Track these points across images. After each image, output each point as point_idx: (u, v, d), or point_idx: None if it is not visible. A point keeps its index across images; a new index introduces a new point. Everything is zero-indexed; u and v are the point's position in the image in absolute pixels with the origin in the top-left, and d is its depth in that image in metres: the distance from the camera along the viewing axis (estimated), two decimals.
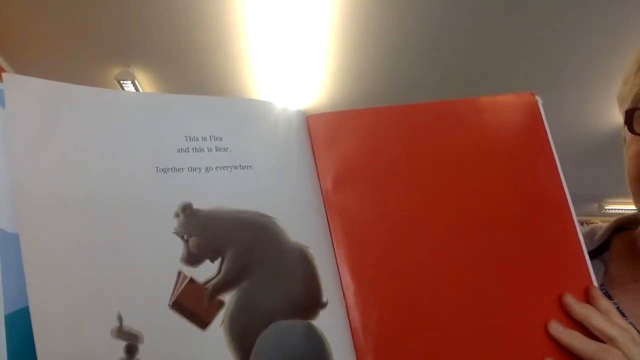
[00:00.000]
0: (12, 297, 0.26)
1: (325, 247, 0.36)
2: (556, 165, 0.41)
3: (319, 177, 0.38)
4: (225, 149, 0.35)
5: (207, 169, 0.33)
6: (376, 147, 0.40)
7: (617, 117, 0.49)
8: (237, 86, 2.62)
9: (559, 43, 2.27)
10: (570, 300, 0.36)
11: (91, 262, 0.28)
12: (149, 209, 0.30)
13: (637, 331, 0.36)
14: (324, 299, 0.34)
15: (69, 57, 2.34)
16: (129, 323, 0.27)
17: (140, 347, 0.27)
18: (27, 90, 0.29)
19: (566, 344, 0.35)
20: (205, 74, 2.53)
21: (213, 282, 0.31)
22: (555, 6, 2.00)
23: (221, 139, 0.35)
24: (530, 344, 0.36)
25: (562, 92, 2.69)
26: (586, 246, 0.39)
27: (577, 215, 0.40)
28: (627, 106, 0.48)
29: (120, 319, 0.27)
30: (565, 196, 0.40)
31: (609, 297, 0.47)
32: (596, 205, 4.78)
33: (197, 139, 0.34)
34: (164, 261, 0.30)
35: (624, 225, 0.55)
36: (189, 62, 2.42)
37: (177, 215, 0.31)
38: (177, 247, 0.30)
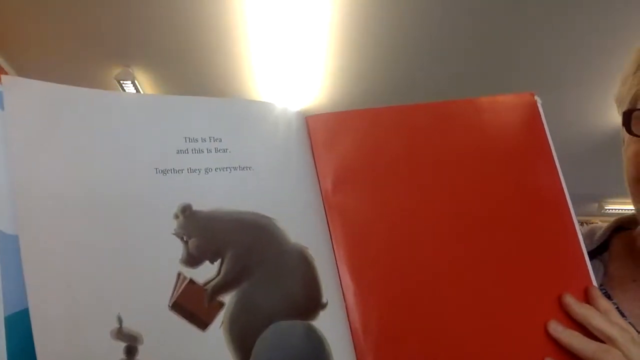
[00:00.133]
0: (12, 299, 0.26)
1: (325, 248, 0.36)
2: (556, 166, 0.41)
3: (318, 178, 0.38)
4: (225, 150, 0.35)
5: (207, 170, 0.33)
6: (376, 148, 0.40)
7: (617, 117, 0.49)
8: (237, 86, 2.62)
9: (559, 43, 2.27)
10: (570, 300, 0.36)
11: (91, 263, 0.28)
12: (148, 211, 0.30)
13: (637, 331, 0.36)
14: (324, 300, 0.34)
15: (69, 57, 2.34)
16: (129, 324, 0.27)
17: (140, 348, 0.27)
18: (26, 92, 0.29)
19: (566, 344, 0.35)
20: (205, 74, 2.53)
21: (213, 283, 0.31)
22: (555, 6, 2.00)
23: (221, 140, 0.35)
24: (530, 344, 0.36)
25: (562, 92, 2.69)
26: (586, 246, 0.39)
27: (577, 215, 0.40)
28: (625, 107, 0.47)
29: (120, 320, 0.27)
30: (565, 196, 0.40)
31: (609, 297, 0.47)
32: (596, 205, 4.77)
33: (197, 140, 0.34)
34: (164, 262, 0.30)
35: (623, 225, 0.55)
36: (189, 62, 2.42)
37: (176, 217, 0.31)
38: (177, 248, 0.30)
